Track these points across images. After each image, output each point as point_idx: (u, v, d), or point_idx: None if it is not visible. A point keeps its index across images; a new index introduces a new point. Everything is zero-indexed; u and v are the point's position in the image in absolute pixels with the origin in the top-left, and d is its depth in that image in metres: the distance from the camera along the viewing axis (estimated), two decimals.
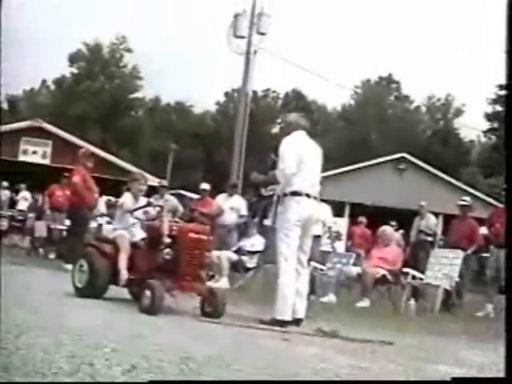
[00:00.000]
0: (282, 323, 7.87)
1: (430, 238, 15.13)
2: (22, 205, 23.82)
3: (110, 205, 19.49)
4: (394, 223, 19.38)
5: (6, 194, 25.63)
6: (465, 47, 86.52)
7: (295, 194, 8.14)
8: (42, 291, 8.76)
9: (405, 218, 18.47)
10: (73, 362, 4.35)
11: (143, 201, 9.16)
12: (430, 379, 5.53)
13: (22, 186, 25.09)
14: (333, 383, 5.06)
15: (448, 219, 16.37)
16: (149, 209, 8.98)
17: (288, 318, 7.97)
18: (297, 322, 8.03)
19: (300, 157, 8.21)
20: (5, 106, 76.25)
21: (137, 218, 8.93)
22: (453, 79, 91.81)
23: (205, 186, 17.29)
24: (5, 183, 26.18)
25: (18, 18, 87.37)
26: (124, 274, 8.47)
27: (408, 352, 6.74)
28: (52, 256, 17.70)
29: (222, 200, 15.43)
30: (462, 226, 14.25)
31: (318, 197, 8.45)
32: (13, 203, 25.63)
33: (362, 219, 21.87)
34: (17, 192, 25.73)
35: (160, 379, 4.26)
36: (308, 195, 8.20)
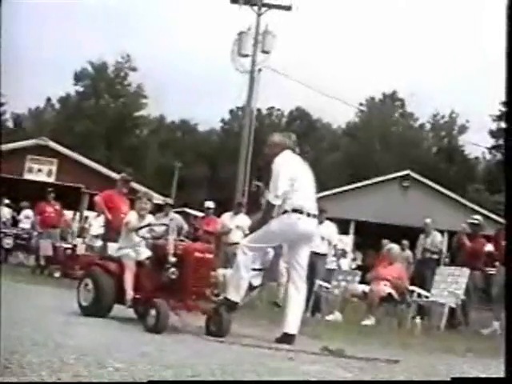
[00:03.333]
0: (292, 338, 7.92)
1: (435, 256, 15.10)
2: (25, 223, 23.85)
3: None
4: (405, 242, 19.35)
5: (9, 212, 25.67)
6: (468, 64, 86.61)
7: (296, 211, 8.15)
8: (47, 310, 8.76)
9: (410, 236, 18.42)
10: (77, 382, 4.34)
11: (148, 219, 9.17)
12: (430, 379, 5.51)
13: (25, 204, 25.13)
14: (333, 383, 5.05)
15: (453, 237, 16.29)
16: (154, 227, 8.99)
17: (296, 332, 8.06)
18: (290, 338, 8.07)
19: (293, 175, 8.24)
20: (10, 124, 76.63)
21: (142, 237, 8.93)
22: (457, 96, 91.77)
23: (209, 204, 17.29)
24: (7, 201, 26.24)
25: (23, 37, 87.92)
26: (130, 294, 8.48)
27: (413, 370, 6.70)
28: (57, 274, 17.72)
29: (227, 218, 15.43)
30: (472, 244, 14.20)
31: (316, 214, 8.46)
32: (15, 222, 25.66)
33: None
34: (19, 210, 25.76)
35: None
36: (308, 214, 8.21)
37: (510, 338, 4.68)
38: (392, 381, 5.38)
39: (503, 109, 46.29)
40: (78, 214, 32.87)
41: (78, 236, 22.01)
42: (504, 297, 5.46)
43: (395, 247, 14.55)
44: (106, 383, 4.49)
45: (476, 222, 14.48)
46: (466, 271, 13.05)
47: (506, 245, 5.39)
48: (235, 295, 8.27)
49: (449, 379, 4.94)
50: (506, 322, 4.91)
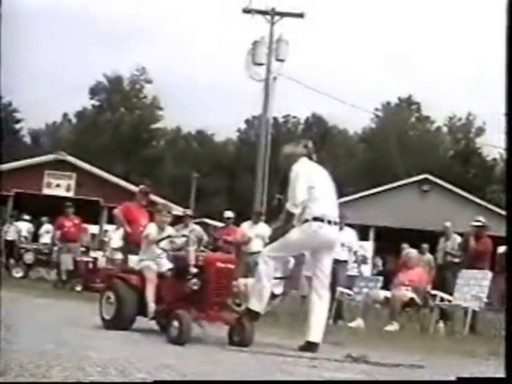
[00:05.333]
0: (315, 346, 7.92)
1: (456, 260, 15.02)
2: (46, 238, 23.95)
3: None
4: (425, 246, 19.28)
5: (29, 227, 25.81)
6: (483, 64, 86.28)
7: (317, 219, 8.13)
8: (70, 323, 8.78)
9: (431, 240, 18.34)
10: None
11: (168, 231, 9.18)
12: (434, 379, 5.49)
13: (45, 219, 25.23)
14: (333, 383, 5.03)
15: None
16: (174, 239, 9.00)
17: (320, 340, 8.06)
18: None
19: (311, 182, 8.22)
20: (28, 140, 77.08)
21: (162, 249, 8.94)
22: (473, 98, 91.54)
23: (229, 214, 17.29)
24: (26, 217, 26.38)
25: (39, 53, 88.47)
26: (152, 307, 8.48)
27: (438, 375, 6.66)
28: (78, 288, 17.77)
29: (247, 228, 15.41)
30: (478, 245, 14.13)
31: (337, 221, 8.44)
32: (35, 237, 25.79)
33: None
34: (39, 225, 25.89)
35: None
36: (329, 221, 8.19)
37: (510, 338, 4.66)
38: (393, 381, 5.34)
39: None
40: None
41: (98, 249, 22.04)
42: (506, 298, 5.41)
43: (414, 252, 14.52)
44: (107, 383, 4.48)
45: (480, 223, 14.39)
46: (489, 274, 12.97)
47: (507, 247, 5.36)
48: (258, 305, 8.26)
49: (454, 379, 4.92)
50: (506, 322, 4.88)
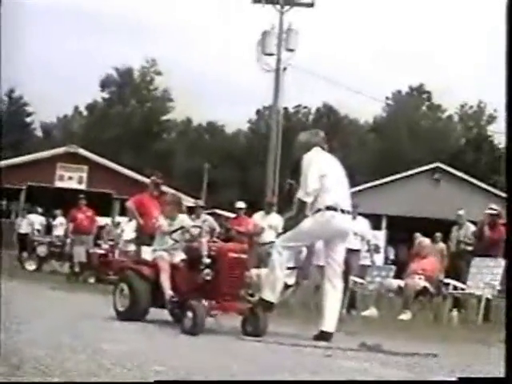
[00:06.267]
0: (329, 336, 7.94)
1: (469, 248, 14.97)
2: (59, 230, 24.02)
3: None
4: (438, 234, 19.23)
5: (42, 220, 25.89)
6: (493, 52, 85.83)
7: (329, 208, 8.13)
8: (84, 316, 8.80)
9: (443, 229, 18.30)
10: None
11: (181, 221, 9.18)
12: (436, 379, 5.48)
13: (58, 211, 25.30)
14: (333, 383, 5.03)
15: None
16: (187, 229, 9.00)
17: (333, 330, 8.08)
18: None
19: (323, 172, 8.21)
20: (39, 133, 77.27)
21: (175, 240, 8.96)
22: (484, 85, 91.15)
23: (240, 204, 17.26)
24: (39, 209, 26.46)
25: (49, 46, 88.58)
26: (168, 294, 8.48)
27: (453, 364, 6.65)
28: (92, 280, 17.83)
29: (259, 218, 15.40)
30: (492, 233, 14.07)
31: (350, 211, 8.44)
32: (48, 229, 25.86)
33: None
34: (53, 218, 25.96)
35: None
36: (342, 210, 8.19)
37: (510, 338, 4.64)
38: (393, 381, 5.34)
39: None
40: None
41: (111, 241, 22.09)
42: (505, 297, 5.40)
43: (426, 240, 14.49)
44: (108, 383, 4.49)
45: (494, 211, 14.32)
46: (502, 261, 12.90)
47: (506, 242, 5.35)
48: (271, 295, 8.26)
49: (455, 379, 4.91)
50: (506, 322, 4.86)
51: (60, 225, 24.23)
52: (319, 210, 8.13)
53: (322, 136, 8.73)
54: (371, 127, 75.25)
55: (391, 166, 51.63)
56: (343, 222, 8.27)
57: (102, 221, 23.50)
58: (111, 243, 21.00)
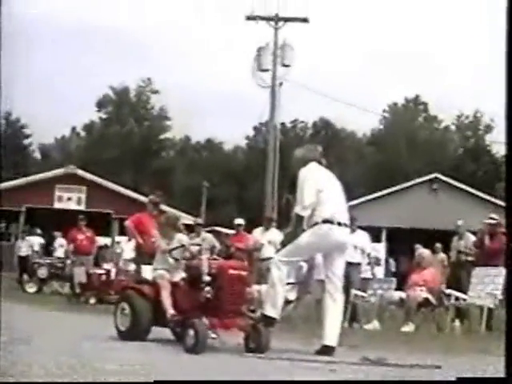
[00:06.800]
0: (331, 350, 7.91)
1: (470, 258, 14.95)
2: (59, 252, 23.99)
3: None
4: (438, 245, 19.22)
5: (40, 241, 25.85)
6: (488, 60, 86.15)
7: (326, 221, 8.14)
8: (85, 337, 8.77)
9: (444, 239, 18.29)
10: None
11: (180, 240, 9.18)
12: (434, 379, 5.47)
13: (57, 233, 25.28)
14: (333, 383, 5.02)
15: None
16: (187, 248, 9.00)
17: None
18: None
19: (319, 186, 8.23)
20: (37, 154, 77.31)
21: (175, 258, 8.95)
22: (479, 95, 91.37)
23: (239, 221, 17.28)
24: (38, 231, 26.44)
25: (45, 67, 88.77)
26: (170, 313, 8.47)
27: (457, 373, 6.62)
28: (92, 301, 17.78)
29: (259, 234, 15.40)
30: (492, 243, 14.05)
31: (348, 223, 8.45)
32: (47, 251, 25.82)
33: None
34: (52, 240, 25.91)
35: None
36: (339, 223, 8.20)
37: (510, 338, 4.64)
38: (394, 381, 5.33)
39: None
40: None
41: (111, 261, 22.04)
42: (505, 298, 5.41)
43: (426, 252, 14.49)
44: (107, 383, 4.48)
45: (494, 221, 14.30)
46: (503, 270, 12.89)
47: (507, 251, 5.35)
48: (272, 311, 8.25)
49: (454, 379, 4.90)
50: (506, 322, 4.85)
51: (60, 246, 24.21)
52: (316, 224, 8.15)
53: (320, 150, 8.76)
54: (369, 140, 75.33)
55: (390, 177, 51.70)
56: (341, 235, 8.28)
57: (102, 241, 23.48)
58: (112, 263, 20.96)
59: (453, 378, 6.28)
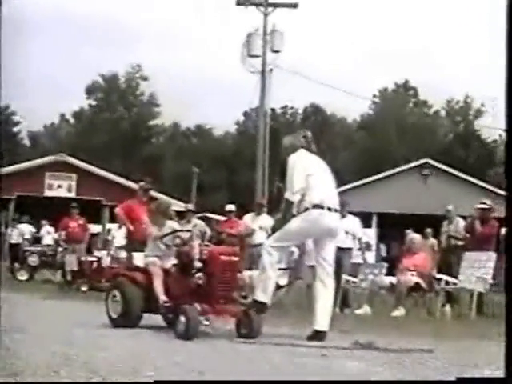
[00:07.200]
0: (323, 335, 7.95)
1: (460, 242, 15.00)
2: (47, 240, 23.94)
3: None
4: (429, 230, 19.26)
5: (30, 229, 25.77)
6: (479, 46, 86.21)
7: (316, 206, 8.16)
8: (77, 324, 8.77)
9: (434, 224, 18.33)
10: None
11: (171, 226, 9.19)
12: (433, 379, 5.50)
13: (44, 221, 25.20)
14: (333, 383, 5.04)
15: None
16: (178, 234, 9.00)
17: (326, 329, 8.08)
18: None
19: (308, 171, 8.25)
20: (27, 142, 77.07)
21: (166, 245, 8.96)
22: (470, 80, 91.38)
23: (230, 207, 17.29)
24: (27, 219, 26.35)
25: (34, 54, 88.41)
26: (162, 300, 8.48)
27: (449, 358, 6.66)
28: (84, 288, 17.77)
29: (250, 220, 15.40)
30: (483, 228, 14.08)
31: (338, 209, 8.47)
32: (37, 238, 25.76)
33: None
34: (39, 227, 25.81)
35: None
36: (329, 208, 8.22)
37: (510, 338, 4.66)
38: (393, 381, 5.36)
39: None
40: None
41: (102, 248, 22.03)
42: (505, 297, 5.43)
43: (416, 237, 14.54)
44: (107, 383, 4.49)
45: (486, 206, 14.32)
46: (493, 255, 12.95)
47: (506, 240, 5.36)
48: (264, 296, 8.27)
49: (454, 379, 4.93)
50: (506, 322, 4.88)
51: (47, 234, 24.17)
52: (307, 209, 8.16)
53: (309, 136, 8.76)
54: (359, 125, 75.35)
55: (380, 163, 51.72)
56: (331, 220, 8.30)
57: (95, 229, 23.46)
58: (103, 251, 20.96)
59: (450, 376, 6.33)
